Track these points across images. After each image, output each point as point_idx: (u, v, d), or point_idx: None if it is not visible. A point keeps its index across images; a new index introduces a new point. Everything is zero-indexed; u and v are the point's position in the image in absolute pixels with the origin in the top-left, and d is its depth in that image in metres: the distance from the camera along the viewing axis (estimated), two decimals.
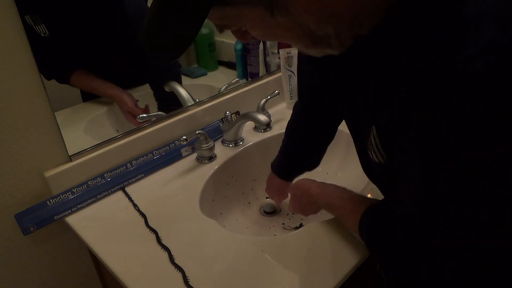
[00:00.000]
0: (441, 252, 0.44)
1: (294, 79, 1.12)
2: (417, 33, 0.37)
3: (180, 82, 1.03)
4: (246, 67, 1.17)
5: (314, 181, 0.74)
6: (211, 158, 0.94)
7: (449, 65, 0.34)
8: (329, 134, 0.84)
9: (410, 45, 0.38)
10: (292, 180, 0.89)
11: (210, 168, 0.92)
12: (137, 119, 0.93)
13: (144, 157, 0.89)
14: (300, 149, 0.85)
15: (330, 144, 0.85)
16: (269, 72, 1.18)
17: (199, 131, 0.90)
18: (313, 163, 0.87)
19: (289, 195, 0.83)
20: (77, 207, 0.80)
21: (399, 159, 0.45)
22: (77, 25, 0.84)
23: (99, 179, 0.83)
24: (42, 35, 0.77)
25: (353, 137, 0.62)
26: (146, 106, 0.96)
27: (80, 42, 0.87)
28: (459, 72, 0.34)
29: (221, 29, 0.43)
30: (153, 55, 0.42)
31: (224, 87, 1.08)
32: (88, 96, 0.90)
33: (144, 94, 0.98)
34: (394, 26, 0.39)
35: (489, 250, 0.44)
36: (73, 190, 0.79)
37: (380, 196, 0.63)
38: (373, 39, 0.41)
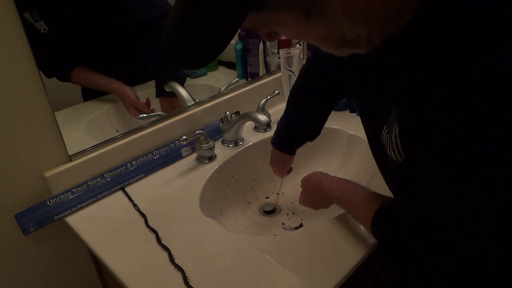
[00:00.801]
0: (457, 254, 0.44)
1: (294, 79, 1.12)
2: (450, 33, 0.37)
3: (184, 81, 1.03)
4: (246, 67, 1.17)
5: (327, 174, 0.73)
6: (211, 158, 0.94)
7: (489, 66, 0.33)
8: (337, 95, 0.81)
9: (442, 44, 0.38)
10: (294, 152, 0.86)
11: (210, 168, 0.92)
12: (138, 119, 0.93)
13: (144, 157, 0.89)
14: (303, 114, 0.81)
15: (330, 144, 0.85)
16: (269, 72, 1.18)
17: (199, 131, 0.90)
18: (315, 131, 0.84)
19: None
20: (77, 207, 0.80)
21: (422, 160, 0.44)
22: (77, 20, 0.84)
23: (99, 179, 0.83)
24: (42, 31, 0.77)
25: (365, 124, 0.61)
26: (147, 100, 0.96)
27: (80, 38, 0.87)
28: (501, 73, 0.33)
29: (249, 32, 0.43)
30: (181, 61, 0.41)
31: (224, 87, 1.08)
32: (89, 95, 0.90)
33: (144, 94, 0.98)
34: (424, 26, 0.39)
35: (503, 254, 0.43)
36: (73, 190, 0.79)
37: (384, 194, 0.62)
38: (402, 39, 0.41)
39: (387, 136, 0.49)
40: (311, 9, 0.38)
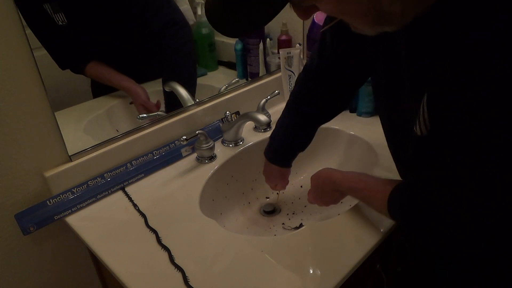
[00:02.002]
0: (474, 215, 0.45)
1: (294, 79, 1.12)
2: (469, 7, 0.40)
3: (195, 82, 1.04)
4: (246, 67, 1.17)
5: (334, 169, 0.74)
6: (211, 158, 0.94)
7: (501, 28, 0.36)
8: (336, 106, 0.81)
9: (464, 18, 0.40)
10: (290, 165, 0.87)
11: (210, 168, 0.92)
12: (138, 119, 0.93)
13: (144, 157, 0.89)
14: (298, 125, 0.82)
15: (330, 144, 0.85)
16: (269, 72, 1.18)
17: (199, 131, 0.90)
18: (307, 141, 0.85)
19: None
20: (77, 207, 0.80)
21: (446, 123, 0.45)
22: (95, 14, 0.84)
23: (99, 179, 0.83)
24: (60, 23, 0.77)
25: (385, 115, 0.62)
26: (158, 102, 0.97)
27: (97, 31, 0.87)
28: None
29: (295, 4, 0.43)
30: (226, 33, 0.42)
31: (224, 87, 1.08)
32: (99, 91, 0.91)
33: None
34: (449, 3, 0.41)
35: None
36: (73, 190, 0.79)
37: None
38: (432, 15, 0.43)
39: (416, 110, 0.50)
40: None
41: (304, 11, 0.45)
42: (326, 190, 0.74)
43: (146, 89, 0.96)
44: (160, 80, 0.99)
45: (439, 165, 0.47)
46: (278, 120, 0.86)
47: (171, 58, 0.98)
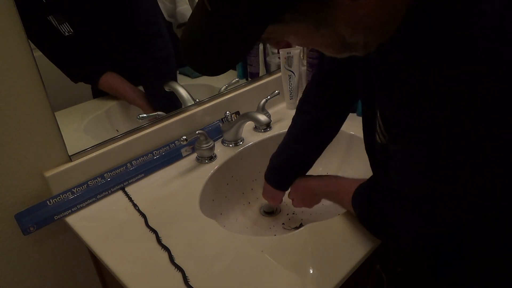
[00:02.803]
0: (416, 214, 0.52)
1: (294, 79, 1.12)
2: (421, 45, 0.43)
3: (175, 79, 1.04)
4: (246, 67, 1.17)
5: (309, 176, 0.83)
6: (211, 158, 0.94)
7: (441, 77, 0.40)
8: (337, 122, 0.83)
9: (414, 53, 0.44)
10: (286, 189, 0.87)
11: (210, 168, 0.92)
12: (137, 119, 0.93)
13: (144, 157, 0.89)
14: (298, 147, 0.83)
15: (330, 144, 0.85)
16: (269, 72, 1.18)
17: (199, 131, 0.90)
18: (308, 164, 0.86)
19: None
20: (77, 207, 0.80)
21: (390, 144, 0.53)
22: (100, 18, 0.85)
23: (99, 179, 0.83)
24: (67, 34, 0.77)
25: (363, 120, 0.68)
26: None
27: (103, 36, 0.88)
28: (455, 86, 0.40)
29: (264, 41, 0.50)
30: (201, 72, 0.46)
31: (224, 87, 1.08)
32: (99, 92, 0.91)
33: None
34: (404, 37, 0.45)
35: (459, 218, 0.51)
36: (73, 190, 0.79)
37: None
38: (392, 45, 0.47)
39: (375, 120, 0.58)
40: (320, 21, 0.43)
41: (277, 43, 0.49)
42: (307, 196, 0.83)
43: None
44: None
45: (390, 170, 0.54)
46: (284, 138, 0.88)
47: (158, 68, 1.00)
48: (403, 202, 0.54)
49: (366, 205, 0.62)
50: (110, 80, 0.89)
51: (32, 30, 0.68)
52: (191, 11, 1.02)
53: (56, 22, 0.73)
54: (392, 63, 0.47)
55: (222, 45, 0.42)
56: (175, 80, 1.03)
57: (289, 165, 0.84)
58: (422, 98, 0.42)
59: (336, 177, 0.78)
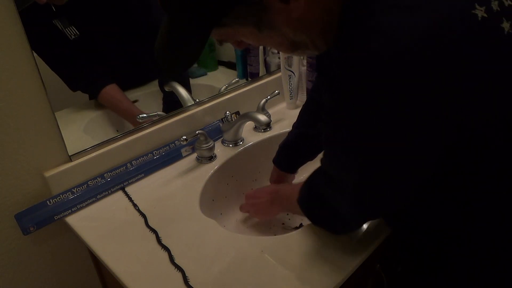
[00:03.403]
0: (345, 198, 0.54)
1: (294, 79, 1.12)
2: (346, 39, 0.46)
3: (187, 81, 1.05)
4: (246, 67, 1.17)
5: (257, 189, 0.86)
6: (211, 158, 0.94)
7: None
8: None
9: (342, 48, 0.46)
10: (292, 171, 0.90)
11: (210, 168, 0.92)
12: (137, 119, 0.93)
13: (144, 157, 0.89)
14: (305, 129, 0.85)
15: None
16: (269, 72, 1.18)
17: (199, 131, 0.90)
18: (314, 147, 0.86)
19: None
20: (77, 207, 0.80)
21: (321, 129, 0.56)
22: (107, 21, 0.85)
23: (99, 179, 0.83)
24: (73, 37, 0.77)
25: None
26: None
27: (110, 40, 0.88)
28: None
29: (220, 42, 0.54)
30: (165, 69, 0.52)
31: (224, 87, 1.08)
32: None
33: (144, 94, 0.99)
34: (338, 36, 0.48)
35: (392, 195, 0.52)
36: (73, 190, 0.79)
37: None
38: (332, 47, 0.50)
39: None
40: (260, 23, 0.48)
41: (238, 44, 0.54)
42: (259, 202, 0.84)
43: (148, 88, 0.96)
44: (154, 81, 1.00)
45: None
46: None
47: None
48: (331, 184, 0.56)
49: (306, 189, 0.63)
50: (112, 93, 0.89)
51: (36, 36, 0.68)
52: None
53: (61, 26, 0.73)
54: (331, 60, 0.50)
55: (181, 46, 0.49)
56: (187, 78, 1.04)
57: (295, 145, 0.86)
58: (335, 83, 0.46)
59: (297, 184, 0.76)
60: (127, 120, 0.93)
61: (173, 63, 0.51)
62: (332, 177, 0.55)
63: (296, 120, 0.87)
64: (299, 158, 0.88)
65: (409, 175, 0.49)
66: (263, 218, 0.89)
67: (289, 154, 0.88)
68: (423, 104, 0.41)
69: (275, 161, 0.90)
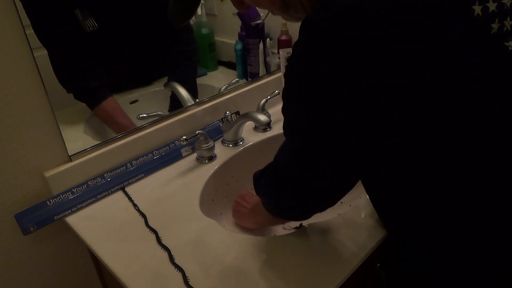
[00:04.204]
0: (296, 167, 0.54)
1: None
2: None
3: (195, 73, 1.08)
4: (246, 67, 1.17)
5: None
6: (211, 158, 0.94)
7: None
8: None
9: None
10: None
11: (210, 168, 0.92)
12: (137, 119, 0.93)
13: (144, 157, 0.89)
14: None
15: None
16: (269, 72, 1.18)
17: (199, 131, 0.90)
18: None
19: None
20: (77, 207, 0.80)
21: None
22: (126, 16, 0.85)
23: (99, 179, 0.83)
24: (91, 29, 0.76)
25: None
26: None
27: (127, 35, 0.88)
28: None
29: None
30: (175, 19, 0.62)
31: (224, 87, 1.08)
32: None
33: (144, 94, 0.99)
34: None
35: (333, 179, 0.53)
36: (73, 190, 0.79)
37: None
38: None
39: None
40: None
41: (239, 4, 0.58)
42: (241, 207, 0.84)
43: (148, 88, 0.97)
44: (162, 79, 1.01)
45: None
46: None
47: (182, 62, 1.02)
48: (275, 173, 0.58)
49: (260, 173, 0.65)
50: (113, 105, 0.88)
51: (54, 24, 0.68)
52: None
53: (81, 17, 0.73)
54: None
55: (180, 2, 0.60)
56: (195, 74, 1.08)
57: None
58: (291, 57, 0.48)
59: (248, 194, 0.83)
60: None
61: (176, 16, 0.62)
62: (284, 146, 0.57)
63: None
64: None
65: (350, 145, 0.48)
66: (243, 224, 0.87)
67: None
68: (349, 72, 0.42)
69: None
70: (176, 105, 0.99)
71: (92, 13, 0.76)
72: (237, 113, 1.07)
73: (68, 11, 0.72)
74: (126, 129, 0.88)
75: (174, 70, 1.01)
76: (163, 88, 1.02)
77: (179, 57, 1.01)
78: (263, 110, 1.05)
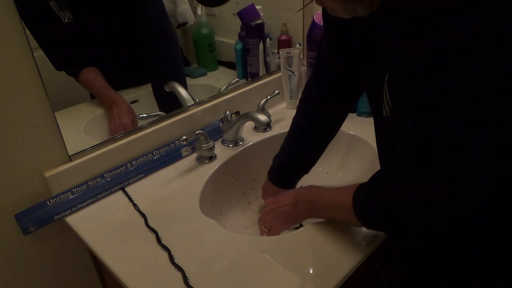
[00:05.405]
0: (428, 199, 0.46)
1: (294, 79, 1.12)
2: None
3: (184, 82, 1.04)
4: (246, 67, 1.17)
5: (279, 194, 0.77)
6: (211, 158, 0.94)
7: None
8: (338, 119, 0.83)
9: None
10: (290, 187, 0.87)
11: (210, 168, 0.92)
12: (137, 118, 0.93)
13: (144, 157, 0.89)
14: (300, 146, 0.83)
15: (330, 144, 0.85)
16: (269, 72, 1.18)
17: (199, 131, 0.90)
18: (311, 162, 0.86)
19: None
20: (77, 207, 0.80)
21: (397, 105, 0.48)
22: (102, 10, 0.84)
23: (99, 179, 0.83)
24: (66, 21, 0.76)
25: (373, 109, 0.63)
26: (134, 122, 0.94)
27: (102, 29, 0.87)
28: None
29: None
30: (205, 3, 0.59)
31: (224, 87, 1.08)
32: None
33: (144, 94, 0.99)
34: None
35: (474, 197, 0.46)
36: (73, 190, 0.79)
37: None
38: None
39: (383, 90, 0.51)
40: None
41: None
42: (283, 211, 0.73)
43: (148, 88, 0.96)
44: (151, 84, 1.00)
45: (397, 144, 0.48)
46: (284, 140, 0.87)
47: (166, 72, 1.00)
48: (412, 179, 0.47)
49: (373, 202, 0.54)
50: (89, 74, 0.87)
51: (30, 13, 0.67)
52: (191, 11, 1.03)
53: (57, 8, 0.73)
54: (396, 17, 0.44)
55: None
56: (184, 81, 1.03)
57: (291, 165, 0.85)
58: (419, 56, 0.40)
59: (317, 186, 0.70)
60: (103, 103, 0.91)
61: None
62: (408, 168, 0.47)
63: (288, 132, 0.85)
64: (295, 178, 0.88)
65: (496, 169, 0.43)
66: (287, 226, 0.75)
67: (285, 175, 0.87)
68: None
69: (270, 178, 0.89)
70: (167, 107, 0.98)
71: (68, 6, 0.76)
72: (237, 113, 1.07)
73: (43, 2, 0.72)
74: (111, 100, 0.88)
75: (158, 77, 0.99)
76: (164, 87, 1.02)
77: (162, 66, 0.98)
78: (263, 110, 1.05)
